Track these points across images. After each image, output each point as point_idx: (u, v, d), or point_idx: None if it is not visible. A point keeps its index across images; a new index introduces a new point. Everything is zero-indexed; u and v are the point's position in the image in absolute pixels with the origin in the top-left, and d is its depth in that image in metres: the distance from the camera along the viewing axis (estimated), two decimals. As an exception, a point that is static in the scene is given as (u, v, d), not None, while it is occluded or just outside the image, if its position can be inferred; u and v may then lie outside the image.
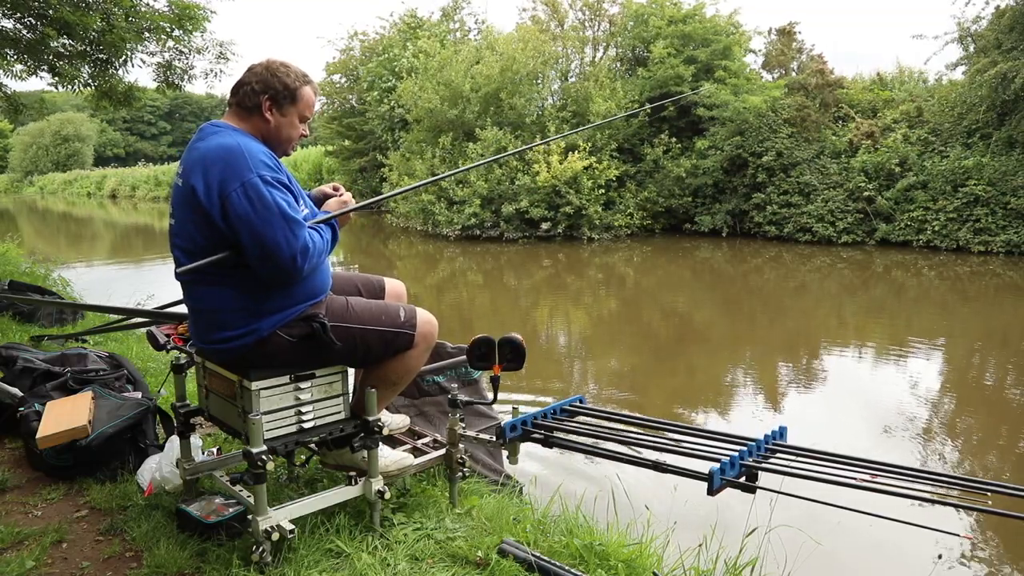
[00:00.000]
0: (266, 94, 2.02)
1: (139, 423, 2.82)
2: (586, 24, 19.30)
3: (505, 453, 2.40)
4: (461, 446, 2.41)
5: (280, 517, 2.00)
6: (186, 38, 6.75)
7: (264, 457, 1.92)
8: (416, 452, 2.53)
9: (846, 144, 14.87)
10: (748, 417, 5.43)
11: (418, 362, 2.27)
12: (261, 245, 1.85)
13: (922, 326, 8.94)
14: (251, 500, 2.01)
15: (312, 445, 2.24)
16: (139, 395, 3.14)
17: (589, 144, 15.86)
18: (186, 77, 7.17)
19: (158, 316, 3.82)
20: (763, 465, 1.85)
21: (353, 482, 2.20)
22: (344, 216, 2.18)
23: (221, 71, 7.46)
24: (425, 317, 2.23)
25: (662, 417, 2.76)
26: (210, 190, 1.86)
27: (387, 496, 2.23)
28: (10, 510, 2.52)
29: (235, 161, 1.86)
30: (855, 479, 1.72)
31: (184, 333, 2.97)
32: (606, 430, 2.30)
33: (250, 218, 1.84)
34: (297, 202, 1.98)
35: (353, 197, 2.33)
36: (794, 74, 17.11)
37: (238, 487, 2.18)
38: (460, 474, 2.44)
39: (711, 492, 1.80)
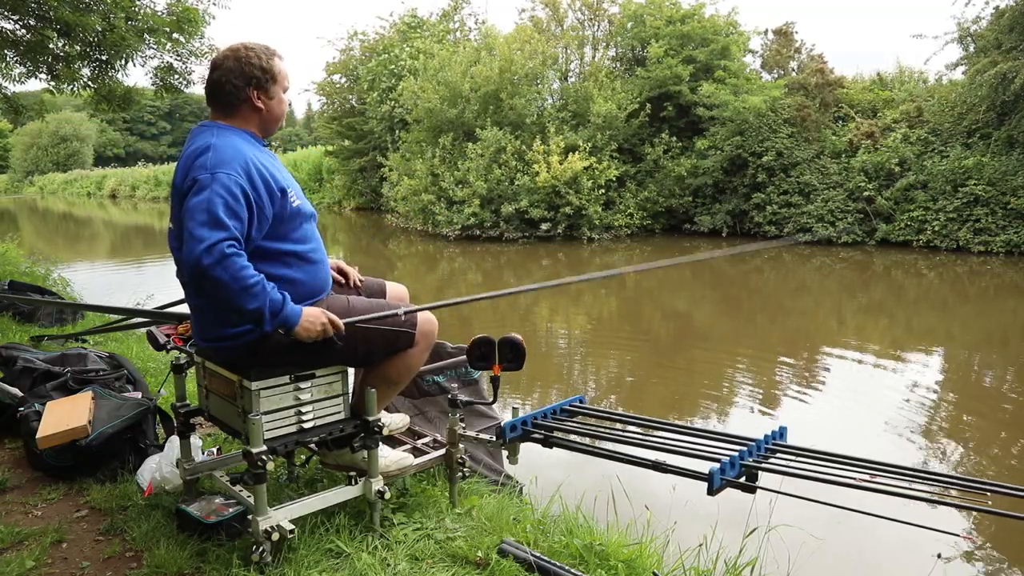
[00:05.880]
0: (250, 85, 2.03)
1: (139, 423, 2.82)
2: (585, 24, 19.30)
3: (505, 453, 2.41)
4: (461, 446, 2.41)
5: (280, 517, 2.00)
6: (184, 41, 6.72)
7: (264, 457, 1.92)
8: (416, 452, 2.53)
9: (846, 144, 14.86)
10: (748, 417, 5.43)
11: (419, 361, 2.27)
12: (186, 233, 1.83)
13: (922, 326, 8.94)
14: (251, 500, 2.01)
15: (312, 445, 2.24)
16: (139, 395, 3.14)
17: (589, 144, 15.86)
18: (184, 82, 7.15)
19: (158, 316, 3.82)
20: (763, 465, 1.85)
21: (353, 482, 2.21)
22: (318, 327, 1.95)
23: None
24: (425, 316, 2.23)
25: (662, 417, 2.76)
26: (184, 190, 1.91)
27: (387, 496, 2.23)
28: (10, 510, 2.52)
29: (199, 161, 1.91)
30: (855, 479, 1.72)
31: (184, 333, 2.97)
32: (606, 430, 2.30)
33: (187, 206, 1.85)
34: (286, 195, 1.99)
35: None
36: (793, 74, 17.11)
37: (238, 487, 2.18)
38: (460, 474, 2.44)
39: (711, 492, 1.80)
